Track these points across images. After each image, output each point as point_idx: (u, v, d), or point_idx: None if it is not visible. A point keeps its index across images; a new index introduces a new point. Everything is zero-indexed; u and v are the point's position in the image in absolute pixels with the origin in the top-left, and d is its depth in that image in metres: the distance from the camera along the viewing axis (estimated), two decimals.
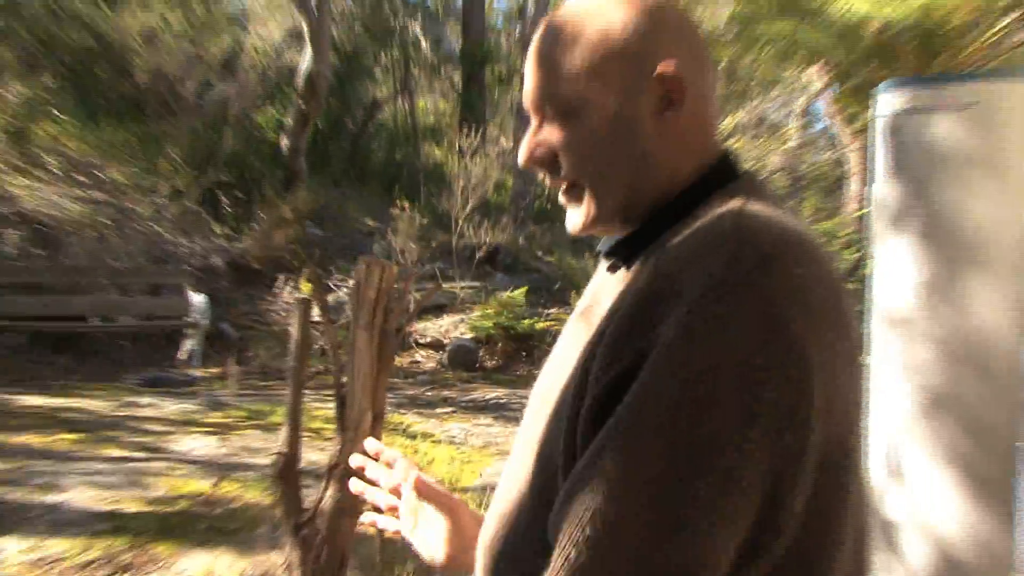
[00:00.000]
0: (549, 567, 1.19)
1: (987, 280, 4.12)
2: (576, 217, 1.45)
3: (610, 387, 1.21)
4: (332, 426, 7.07)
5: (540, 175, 1.50)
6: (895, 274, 4.43)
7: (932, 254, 4.30)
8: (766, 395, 1.15)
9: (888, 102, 4.55)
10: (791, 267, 1.21)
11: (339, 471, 4.18)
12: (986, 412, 4.09)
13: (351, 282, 12.17)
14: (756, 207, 1.31)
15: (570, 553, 1.16)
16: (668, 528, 1.14)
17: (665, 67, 1.36)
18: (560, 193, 1.47)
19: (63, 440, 7.61)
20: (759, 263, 1.19)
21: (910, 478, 4.30)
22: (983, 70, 7.04)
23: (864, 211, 4.83)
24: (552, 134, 1.42)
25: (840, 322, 1.25)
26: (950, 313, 4.23)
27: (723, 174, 1.41)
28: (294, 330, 4.36)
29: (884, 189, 4.57)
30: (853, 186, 12.76)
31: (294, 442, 4.32)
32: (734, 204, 1.32)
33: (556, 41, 1.41)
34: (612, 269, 1.49)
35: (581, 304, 1.59)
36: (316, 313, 4.64)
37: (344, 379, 4.20)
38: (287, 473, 4.29)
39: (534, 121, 1.46)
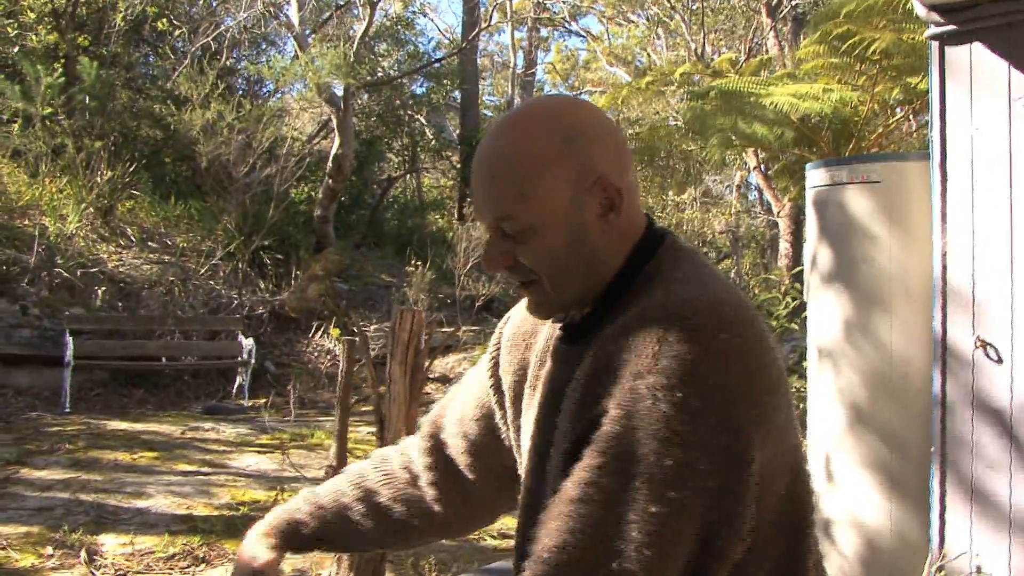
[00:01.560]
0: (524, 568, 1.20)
1: (896, 318, 4.19)
2: (538, 307, 1.41)
3: (570, 448, 1.23)
4: (363, 447, 7.10)
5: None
6: (825, 314, 4.49)
7: (852, 298, 4.36)
8: (698, 466, 1.14)
9: (815, 178, 4.63)
10: (715, 334, 1.19)
11: None
12: (902, 426, 4.14)
13: (371, 327, 12.11)
14: (681, 281, 1.29)
15: (544, 570, 1.16)
16: (615, 564, 1.13)
17: (601, 178, 1.32)
18: (520, 285, 1.41)
19: (144, 457, 7.59)
20: (686, 338, 1.17)
21: (841, 482, 4.33)
22: (885, 152, 7.16)
23: (799, 266, 4.90)
24: (512, 247, 1.35)
25: (764, 365, 1.23)
26: (869, 345, 4.29)
27: (650, 245, 1.37)
28: (341, 365, 4.39)
29: (813, 246, 4.65)
30: (783, 245, 12.85)
31: (342, 456, 4.33)
32: (663, 280, 1.31)
33: (504, 168, 1.33)
34: (567, 341, 1.44)
35: (530, 356, 1.56)
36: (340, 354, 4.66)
37: (383, 405, 4.22)
38: None
39: (491, 232, 1.37)
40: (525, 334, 1.59)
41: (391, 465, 1.77)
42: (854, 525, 4.27)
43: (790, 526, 1.28)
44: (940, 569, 3.68)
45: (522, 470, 1.53)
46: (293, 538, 1.70)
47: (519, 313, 1.62)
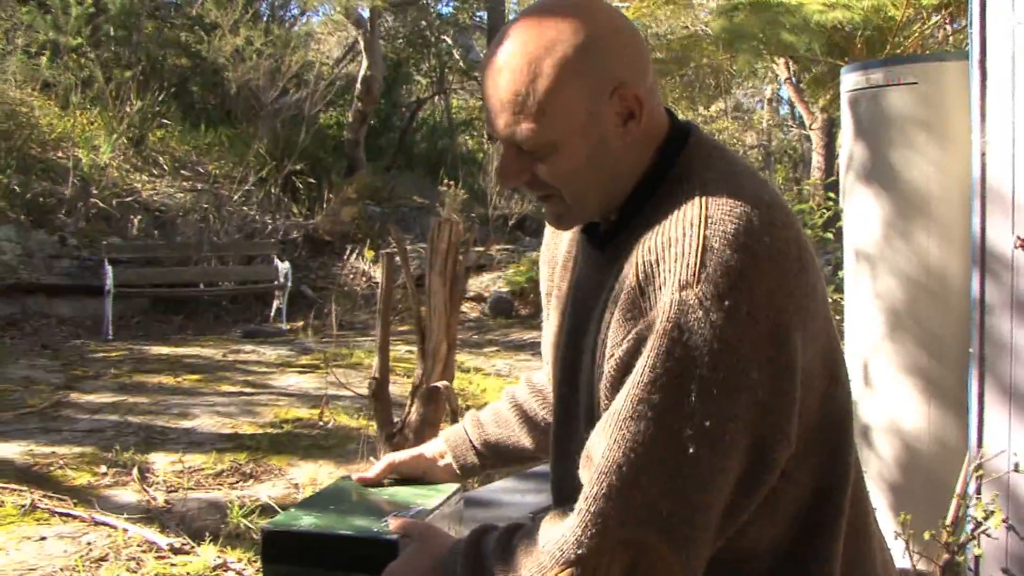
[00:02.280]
0: (582, 494, 1.17)
1: (934, 221, 4.14)
2: (559, 219, 1.37)
3: (619, 364, 1.19)
4: (403, 364, 7.18)
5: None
6: (862, 218, 4.46)
7: (888, 201, 4.31)
8: (751, 375, 1.13)
9: (850, 81, 4.56)
10: (759, 238, 1.16)
11: (422, 391, 4.25)
12: (940, 329, 4.12)
13: (407, 246, 12.15)
14: (715, 182, 1.22)
15: (598, 490, 1.14)
16: (669, 481, 1.13)
17: (619, 87, 1.24)
18: (539, 199, 1.36)
19: (188, 380, 7.73)
20: (730, 245, 1.14)
21: (879, 387, 4.34)
22: (922, 54, 7.01)
23: (833, 176, 4.86)
24: (529, 163, 1.29)
25: (805, 266, 1.21)
26: (907, 248, 4.26)
27: (675, 145, 1.31)
28: (382, 278, 4.41)
29: (849, 151, 4.60)
30: (816, 158, 12.71)
31: (384, 369, 4.38)
32: (696, 181, 1.24)
33: (517, 82, 1.23)
34: (594, 246, 1.39)
35: (558, 255, 1.53)
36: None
37: (423, 318, 4.25)
38: (380, 393, 4.35)
39: (506, 147, 1.30)
40: (554, 232, 1.55)
41: (534, 379, 1.76)
42: (892, 430, 4.29)
43: (831, 428, 1.27)
44: (978, 468, 3.70)
45: (550, 375, 1.51)
46: (460, 446, 1.74)
47: None
